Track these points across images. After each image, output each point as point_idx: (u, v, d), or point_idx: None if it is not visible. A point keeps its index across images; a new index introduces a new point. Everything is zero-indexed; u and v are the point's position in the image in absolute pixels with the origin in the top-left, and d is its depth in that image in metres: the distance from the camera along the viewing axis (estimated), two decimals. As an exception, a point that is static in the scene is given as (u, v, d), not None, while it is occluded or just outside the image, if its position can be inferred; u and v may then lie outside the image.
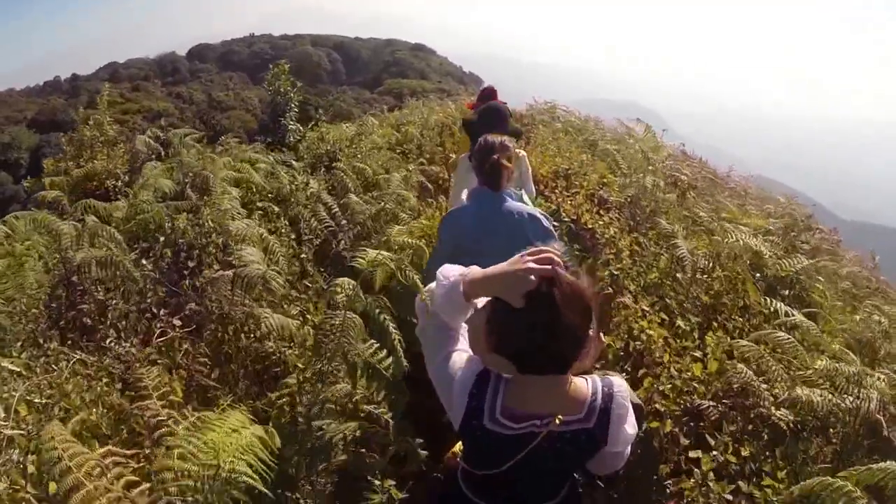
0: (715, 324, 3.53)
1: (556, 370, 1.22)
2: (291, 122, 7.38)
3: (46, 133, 58.51)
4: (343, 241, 4.04)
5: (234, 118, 68.16)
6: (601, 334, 1.32)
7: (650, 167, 7.09)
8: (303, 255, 3.95)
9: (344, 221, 4.26)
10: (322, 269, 4.03)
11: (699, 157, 11.66)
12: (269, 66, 7.47)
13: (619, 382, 1.30)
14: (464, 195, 3.05)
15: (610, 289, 3.58)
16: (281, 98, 7.34)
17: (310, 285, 3.69)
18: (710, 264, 3.92)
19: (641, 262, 3.96)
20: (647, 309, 3.22)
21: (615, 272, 3.69)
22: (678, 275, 3.79)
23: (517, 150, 3.57)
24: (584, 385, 1.27)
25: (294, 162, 5.99)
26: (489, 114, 3.79)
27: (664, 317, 3.25)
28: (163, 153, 7.72)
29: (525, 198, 3.39)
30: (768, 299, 3.57)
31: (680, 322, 3.41)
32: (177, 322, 2.63)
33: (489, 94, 5.62)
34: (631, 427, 1.28)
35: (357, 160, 6.18)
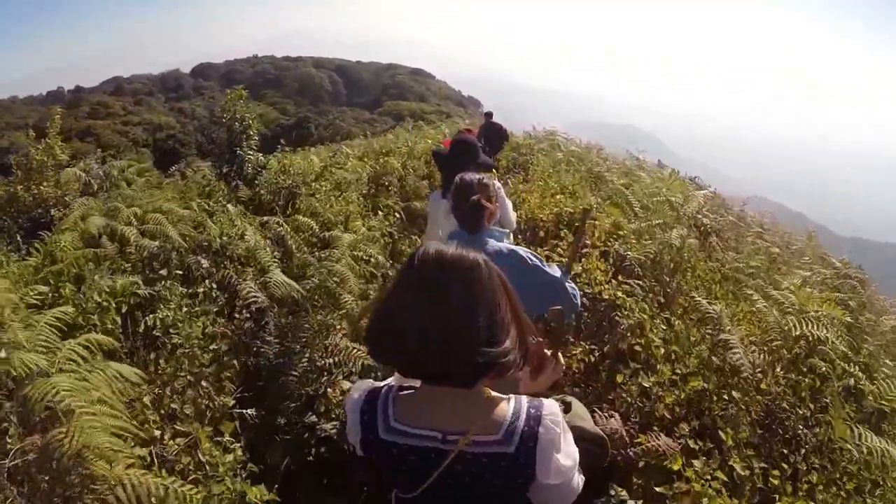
0: (785, 465, 2.43)
1: (452, 381, 1.08)
2: (250, 152, 6.32)
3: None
4: (269, 329, 2.95)
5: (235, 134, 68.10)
6: (558, 353, 1.22)
7: (673, 213, 6.04)
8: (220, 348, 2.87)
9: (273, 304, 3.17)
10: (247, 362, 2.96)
11: (712, 188, 10.84)
12: (229, 89, 6.43)
13: (549, 405, 1.12)
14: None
15: (637, 410, 2.50)
16: (238, 125, 6.28)
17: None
18: (769, 365, 2.84)
19: (679, 365, 2.85)
20: (698, 467, 2.12)
21: (647, 385, 2.61)
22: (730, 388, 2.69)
23: (497, 182, 3.13)
24: (505, 405, 1.10)
25: (230, 206, 4.95)
26: (460, 148, 3.39)
27: (722, 477, 2.15)
28: (98, 187, 6.81)
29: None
30: (860, 432, 2.48)
31: (737, 466, 2.33)
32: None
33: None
34: (567, 457, 1.11)
35: (319, 199, 5.16)
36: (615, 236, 5.29)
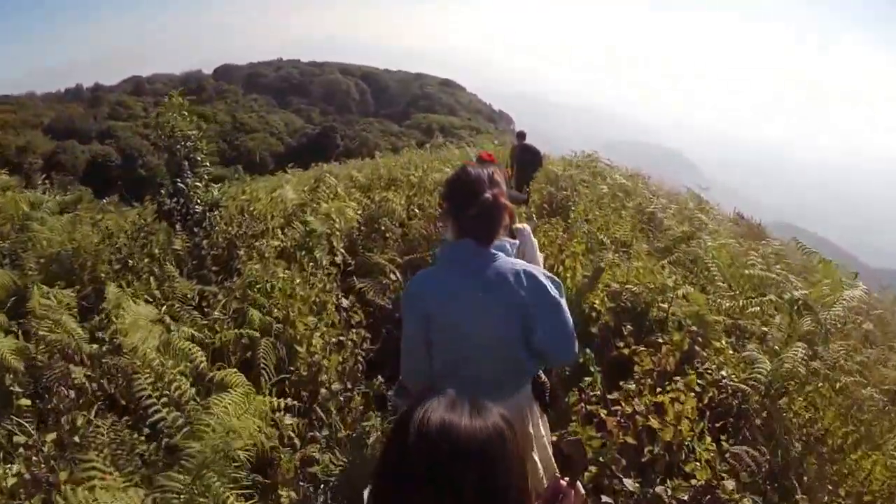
0: None
1: None
2: (198, 184, 4.64)
3: (62, 139, 58.20)
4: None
5: (259, 141, 67.42)
6: (576, 483, 1.13)
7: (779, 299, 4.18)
8: None
9: None
10: None
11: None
12: (164, 96, 4.73)
13: None
14: None
15: None
16: (181, 146, 4.59)
17: None
18: None
19: None
20: None
21: None
22: None
23: (520, 225, 2.73)
24: None
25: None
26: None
27: None
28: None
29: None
30: None
31: None
32: None
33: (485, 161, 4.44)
34: None
35: (267, 262, 3.46)
36: (697, 339, 3.48)
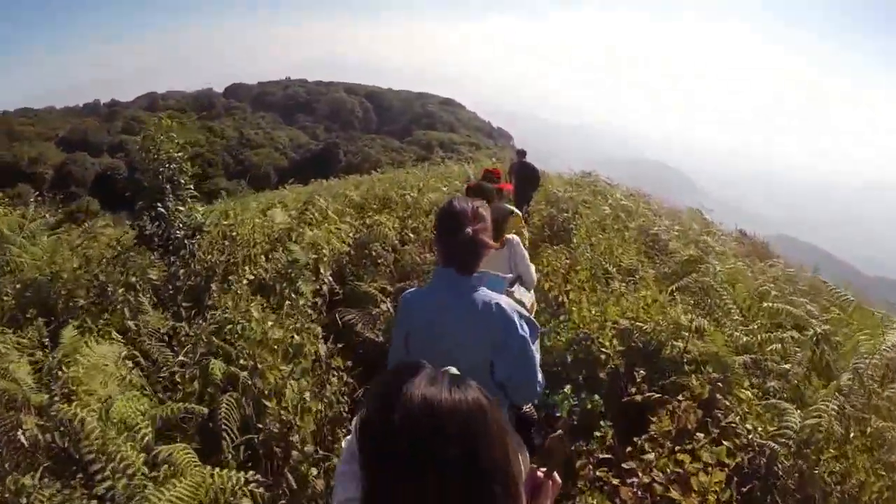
0: None
1: None
2: (181, 207, 4.35)
3: (73, 152, 58.56)
4: None
5: (263, 156, 67.61)
6: (553, 473, 1.10)
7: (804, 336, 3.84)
8: None
9: None
10: None
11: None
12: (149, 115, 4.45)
13: None
14: None
15: None
16: (164, 167, 4.30)
17: None
18: None
19: None
20: None
21: None
22: None
23: (509, 235, 2.92)
24: None
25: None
26: (477, 194, 2.86)
27: None
28: None
29: (522, 291, 2.88)
30: None
31: None
32: None
33: (492, 177, 4.26)
34: None
35: (242, 295, 3.15)
36: (717, 384, 3.13)
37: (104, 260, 4.24)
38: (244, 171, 64.78)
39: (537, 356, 1.85)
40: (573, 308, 3.84)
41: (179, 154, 4.43)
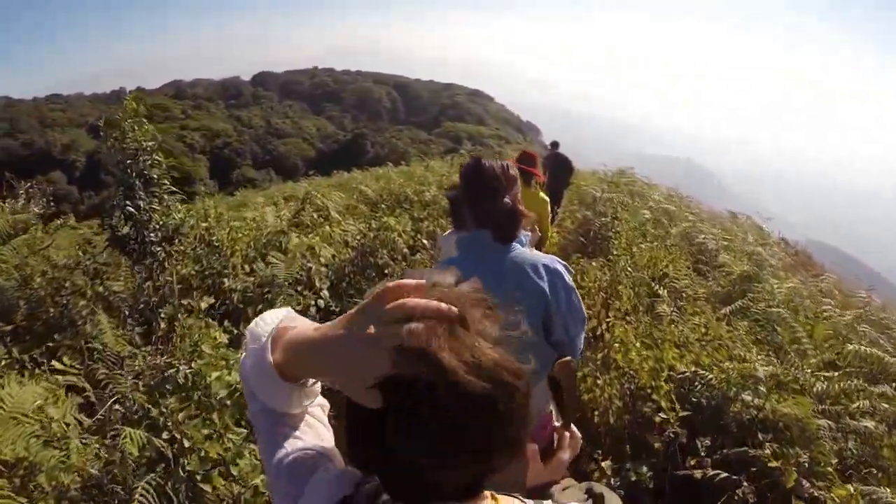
0: None
1: (446, 498, 0.66)
2: (155, 206, 3.72)
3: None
4: None
5: (291, 146, 67.62)
6: (570, 425, 0.97)
7: None
8: None
9: None
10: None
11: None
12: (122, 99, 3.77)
13: None
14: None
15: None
16: (132, 160, 3.65)
17: None
18: None
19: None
20: None
21: None
22: None
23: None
24: None
25: None
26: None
27: None
28: None
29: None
30: None
31: None
32: None
33: (530, 158, 4.10)
34: None
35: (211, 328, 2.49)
36: (803, 464, 2.37)
37: (68, 265, 3.66)
38: (271, 161, 64.98)
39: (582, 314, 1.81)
40: (616, 344, 3.10)
41: (151, 144, 3.78)
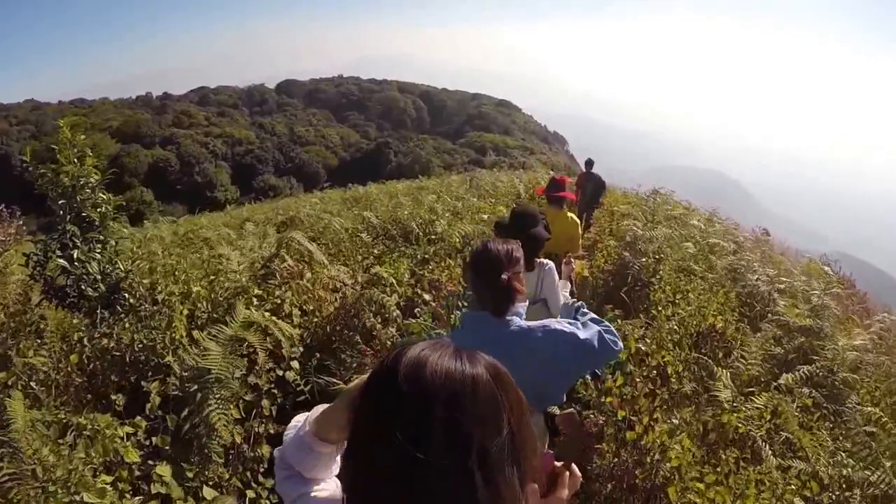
0: None
1: None
2: (97, 253, 2.96)
3: (127, 144, 60.08)
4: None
5: (313, 153, 67.53)
6: (571, 464, 0.96)
7: None
8: None
9: None
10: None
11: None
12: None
13: None
14: None
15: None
16: (68, 200, 2.88)
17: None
18: None
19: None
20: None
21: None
22: None
23: (543, 260, 2.95)
24: None
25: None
26: (521, 218, 2.94)
27: None
28: None
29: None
30: None
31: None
32: None
33: (558, 185, 4.31)
34: None
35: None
36: None
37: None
38: (293, 169, 64.97)
39: (592, 330, 1.87)
40: (672, 473, 2.22)
41: (94, 179, 3.04)
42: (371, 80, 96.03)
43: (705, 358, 3.52)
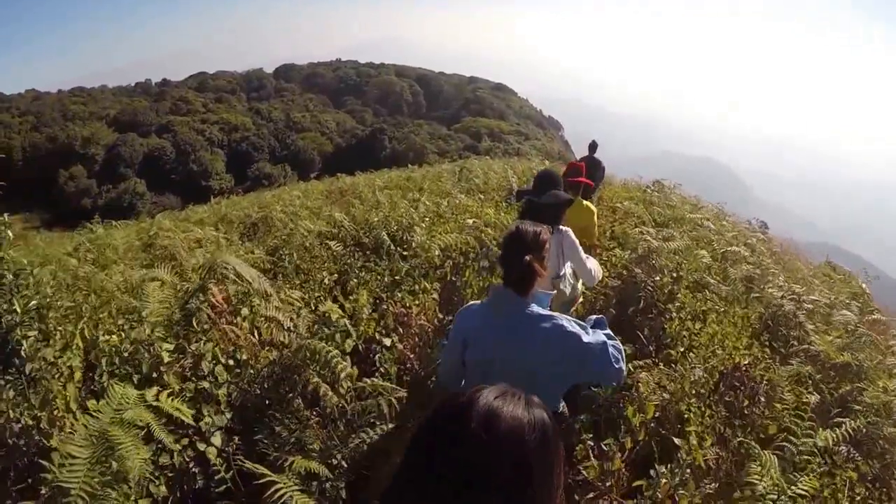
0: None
1: None
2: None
3: (124, 132, 59.00)
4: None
5: (309, 140, 66.29)
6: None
7: None
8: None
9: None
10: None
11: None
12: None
13: None
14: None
15: None
16: None
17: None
18: None
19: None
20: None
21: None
22: None
23: (564, 227, 2.95)
24: None
25: None
26: (544, 182, 2.98)
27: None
28: None
29: (571, 279, 2.98)
30: None
31: None
32: None
33: (577, 170, 4.27)
34: None
35: None
36: None
37: None
38: (289, 156, 63.77)
39: (598, 339, 1.92)
40: None
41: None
42: (369, 63, 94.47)
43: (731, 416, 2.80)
